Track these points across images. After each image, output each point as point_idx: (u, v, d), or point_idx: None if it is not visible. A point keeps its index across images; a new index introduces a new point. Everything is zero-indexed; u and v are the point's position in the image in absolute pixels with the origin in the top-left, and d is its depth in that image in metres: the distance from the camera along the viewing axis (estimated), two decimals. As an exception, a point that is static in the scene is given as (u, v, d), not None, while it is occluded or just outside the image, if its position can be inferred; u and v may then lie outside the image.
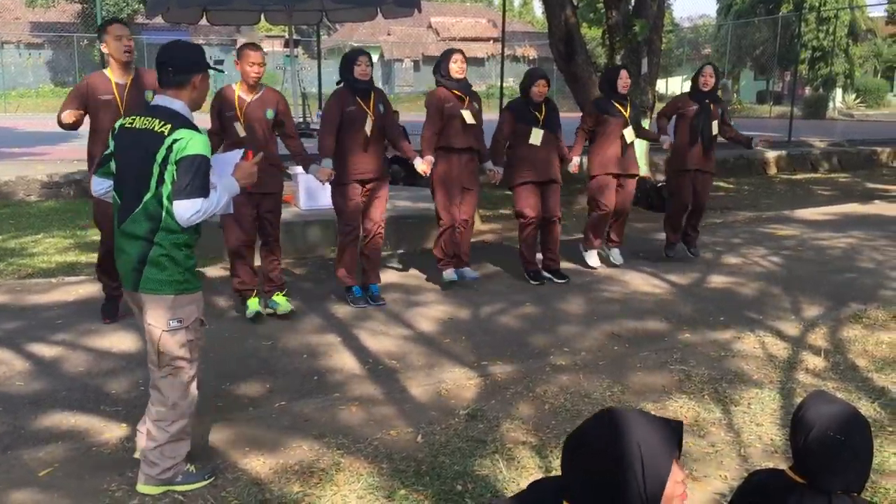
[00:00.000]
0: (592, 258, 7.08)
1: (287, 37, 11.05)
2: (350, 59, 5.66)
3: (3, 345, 5.00)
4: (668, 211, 7.48)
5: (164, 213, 3.08)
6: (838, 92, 34.83)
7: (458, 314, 5.74)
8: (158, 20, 11.93)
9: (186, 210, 3.03)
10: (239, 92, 5.32)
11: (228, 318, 5.64)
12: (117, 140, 3.20)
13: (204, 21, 10.83)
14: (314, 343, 5.11)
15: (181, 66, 3.18)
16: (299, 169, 6.40)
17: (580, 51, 10.38)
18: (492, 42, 40.59)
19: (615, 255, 7.16)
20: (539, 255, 6.68)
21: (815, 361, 4.79)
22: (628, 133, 6.75)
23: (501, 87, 16.51)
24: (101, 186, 3.33)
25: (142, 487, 3.22)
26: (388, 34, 40.96)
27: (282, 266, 5.79)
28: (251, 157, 3.39)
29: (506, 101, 6.93)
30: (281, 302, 5.59)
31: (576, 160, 6.75)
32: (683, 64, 38.63)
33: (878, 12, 37.29)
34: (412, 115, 19.15)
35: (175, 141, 3.02)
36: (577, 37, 10.38)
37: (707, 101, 7.03)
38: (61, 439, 3.74)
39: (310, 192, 7.72)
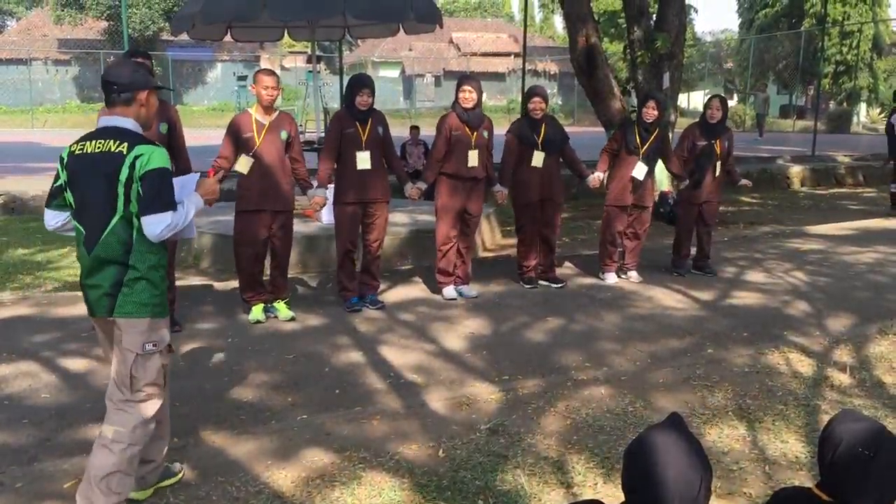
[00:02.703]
0: (610, 277, 7.13)
1: (310, 52, 11.12)
2: (354, 88, 5.87)
3: (30, 357, 5.06)
4: (676, 234, 7.56)
5: (134, 234, 3.00)
6: (862, 106, 34.55)
7: (480, 329, 5.74)
8: (184, 37, 12.09)
9: (157, 224, 2.96)
10: (256, 115, 5.57)
11: (252, 332, 5.67)
12: (70, 168, 3.06)
13: (228, 38, 10.94)
14: (337, 357, 5.13)
15: (126, 83, 3.09)
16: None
17: (601, 65, 10.40)
18: (513, 57, 40.64)
19: (633, 276, 7.20)
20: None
21: (840, 378, 4.73)
22: (638, 170, 6.81)
23: (523, 102, 16.52)
24: (55, 220, 3.19)
25: None
26: (410, 49, 41.16)
27: (288, 276, 6.08)
28: (212, 174, 3.35)
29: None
30: (281, 309, 5.92)
31: (598, 175, 6.89)
32: (706, 78, 38.51)
33: (902, 26, 36.95)
34: (433, 130, 19.18)
35: (137, 157, 2.96)
36: (598, 52, 10.39)
37: (714, 138, 7.09)
38: (86, 451, 3.75)
39: (331, 207, 7.75)
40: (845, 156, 17.00)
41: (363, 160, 5.88)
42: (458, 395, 4.45)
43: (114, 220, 2.98)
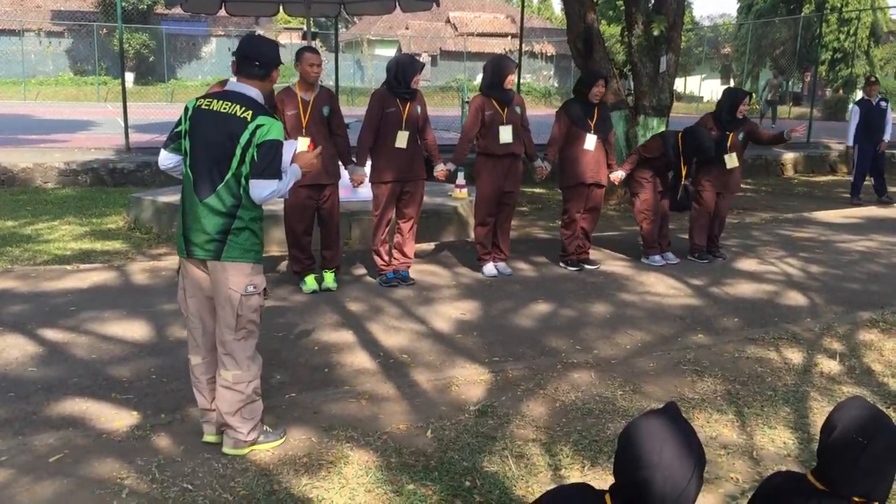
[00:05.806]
0: (657, 259, 7.22)
1: (305, 29, 11.04)
2: (408, 67, 5.91)
3: (16, 330, 5.03)
4: (692, 224, 7.54)
5: (242, 190, 3.34)
6: (859, 94, 34.50)
7: (471, 311, 5.73)
8: (178, 10, 11.97)
9: (263, 189, 3.32)
10: (300, 94, 5.71)
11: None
12: (194, 120, 3.39)
13: (223, 12, 10.83)
14: (326, 336, 5.11)
15: (266, 61, 3.45)
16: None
17: (598, 48, 10.32)
18: (510, 38, 40.44)
19: (670, 256, 7.26)
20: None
21: (829, 365, 4.74)
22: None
23: (519, 83, 16.41)
24: (169, 161, 3.53)
25: (229, 451, 3.48)
26: (406, 28, 40.87)
27: (342, 249, 6.37)
28: (312, 147, 3.57)
29: (522, 96, 6.95)
30: (327, 278, 6.11)
31: (621, 174, 6.91)
32: (703, 63, 38.38)
33: (900, 14, 36.89)
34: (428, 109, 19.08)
35: (258, 126, 3.30)
36: (595, 34, 10.31)
37: (729, 130, 7.01)
38: (72, 426, 3.75)
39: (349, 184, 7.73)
40: (839, 143, 16.97)
41: (402, 139, 5.95)
42: (448, 376, 4.45)
43: (228, 176, 3.32)
